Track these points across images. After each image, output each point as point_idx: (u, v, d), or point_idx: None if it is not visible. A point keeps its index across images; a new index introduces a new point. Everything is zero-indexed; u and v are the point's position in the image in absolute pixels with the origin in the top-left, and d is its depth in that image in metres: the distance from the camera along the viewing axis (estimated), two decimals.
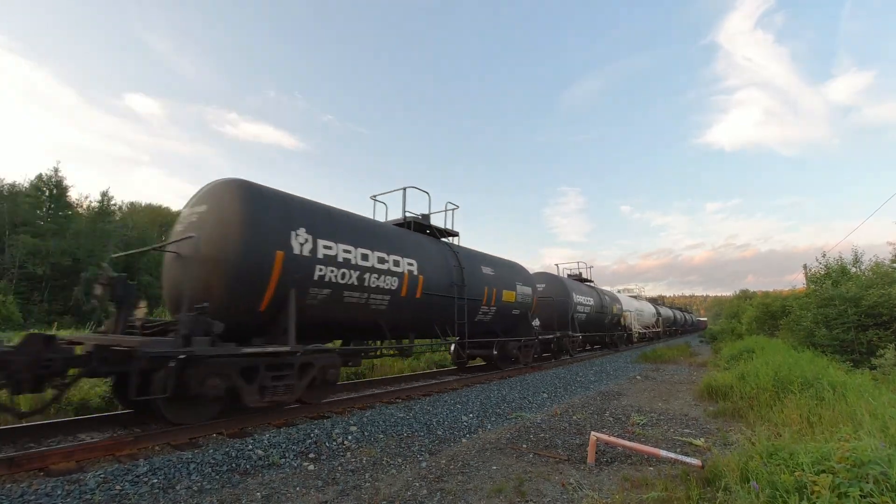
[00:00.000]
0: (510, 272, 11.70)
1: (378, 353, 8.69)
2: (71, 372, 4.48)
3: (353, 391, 8.61)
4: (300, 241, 5.96)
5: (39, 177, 40.64)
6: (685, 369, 13.70)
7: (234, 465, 4.22)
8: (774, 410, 5.90)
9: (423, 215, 9.82)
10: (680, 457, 4.21)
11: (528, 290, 12.11)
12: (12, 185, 41.43)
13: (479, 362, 12.79)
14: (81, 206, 45.98)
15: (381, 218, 9.45)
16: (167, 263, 6.27)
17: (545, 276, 16.54)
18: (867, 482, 2.63)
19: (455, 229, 10.46)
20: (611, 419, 6.74)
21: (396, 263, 7.48)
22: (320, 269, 6.16)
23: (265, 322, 5.88)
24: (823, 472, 2.84)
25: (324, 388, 6.73)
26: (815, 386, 6.41)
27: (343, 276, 6.47)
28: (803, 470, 2.93)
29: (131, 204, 57.83)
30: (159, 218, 55.63)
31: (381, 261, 7.17)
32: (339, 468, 4.33)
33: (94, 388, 7.14)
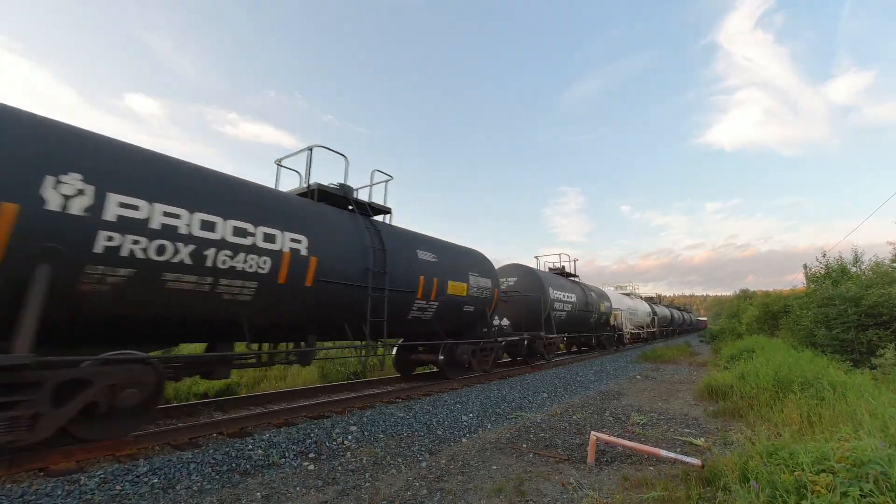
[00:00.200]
0: (462, 260, 9.71)
1: (253, 359, 6.24)
2: None
3: (353, 391, 8.62)
4: (65, 192, 3.99)
5: None
6: (685, 369, 13.70)
7: (234, 464, 4.22)
8: (774, 410, 5.89)
9: (342, 185, 7.69)
10: (680, 456, 4.21)
11: (486, 282, 10.15)
12: None
13: (432, 368, 10.91)
14: None
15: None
16: None
17: (517, 269, 14.49)
18: (867, 482, 2.63)
19: (388, 205, 8.50)
20: (611, 419, 6.74)
21: (270, 238, 5.59)
22: (111, 238, 4.19)
23: None
24: (823, 471, 2.84)
25: (134, 417, 4.66)
26: (815, 386, 6.41)
27: (162, 250, 4.54)
28: (803, 470, 2.93)
29: None
30: None
31: (241, 233, 5.27)
32: (339, 468, 4.33)
33: None
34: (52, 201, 3.95)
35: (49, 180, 3.95)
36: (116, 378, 4.41)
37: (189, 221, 4.82)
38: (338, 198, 7.57)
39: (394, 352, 10.05)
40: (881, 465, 2.72)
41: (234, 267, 5.20)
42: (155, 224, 4.55)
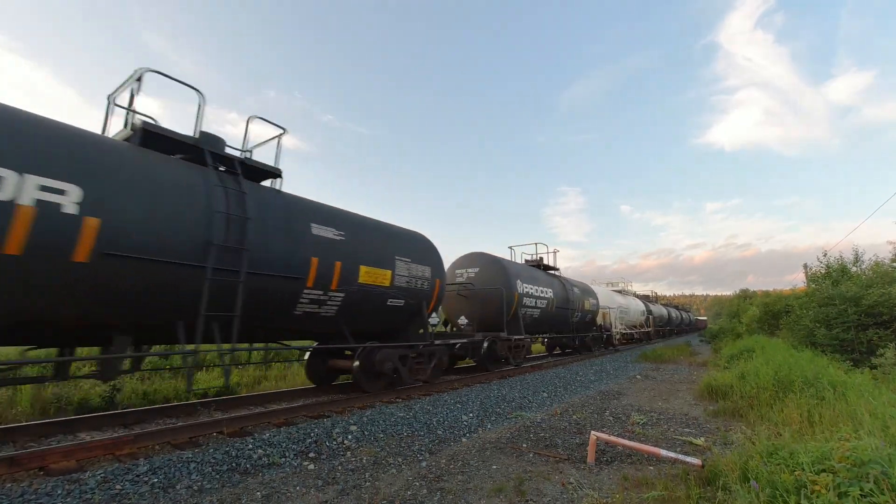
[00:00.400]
0: (387, 241, 7.82)
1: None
2: None
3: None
4: None
5: None
6: (685, 369, 13.70)
7: (234, 464, 4.22)
8: (774, 410, 5.89)
9: (204, 134, 5.82)
10: (680, 456, 4.21)
11: (423, 270, 8.35)
12: None
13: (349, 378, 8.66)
14: None
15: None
16: None
17: (479, 258, 12.43)
18: (867, 482, 2.62)
19: (278, 166, 6.75)
20: (611, 418, 6.73)
21: None
22: None
23: None
24: (823, 471, 2.84)
25: None
26: (815, 385, 6.41)
27: None
28: (803, 469, 2.93)
29: None
30: None
31: None
32: (339, 467, 4.33)
33: (93, 388, 7.16)
34: None
35: None
36: None
37: None
38: (185, 147, 5.65)
39: (306, 356, 8.49)
40: (881, 465, 2.72)
41: None
42: None
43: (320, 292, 6.47)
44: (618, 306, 22.98)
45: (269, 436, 4.95)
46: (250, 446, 4.60)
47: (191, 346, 5.07)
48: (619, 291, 27.48)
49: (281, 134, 6.82)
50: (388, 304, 7.70)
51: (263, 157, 6.27)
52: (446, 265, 10.61)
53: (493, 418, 6.63)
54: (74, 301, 4.41)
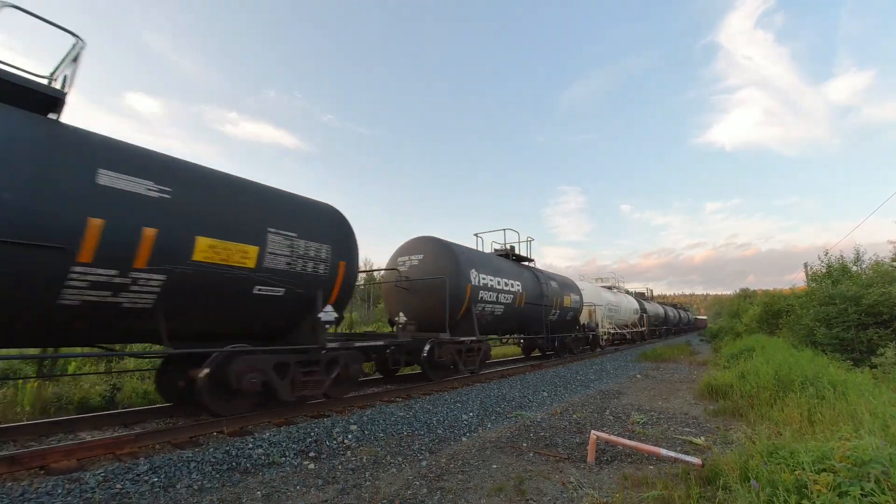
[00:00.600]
0: (257, 207, 5.88)
1: None
2: None
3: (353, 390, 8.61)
4: None
5: None
6: (685, 368, 13.70)
7: (234, 463, 4.23)
8: (775, 409, 5.90)
9: None
10: (680, 455, 4.21)
11: (320, 250, 6.39)
12: None
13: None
14: None
15: None
16: None
17: (426, 244, 10.27)
18: (868, 481, 2.62)
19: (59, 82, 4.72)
20: (611, 418, 6.74)
21: None
22: None
23: None
24: (824, 470, 2.84)
25: None
26: (815, 385, 6.41)
27: None
28: (804, 469, 2.93)
29: None
30: None
31: None
32: (340, 467, 4.33)
33: (94, 388, 7.16)
34: None
35: None
36: None
37: None
38: None
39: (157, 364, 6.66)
40: (882, 465, 2.72)
41: None
42: None
43: (113, 272, 4.44)
44: (606, 304, 21.18)
45: (269, 435, 4.95)
46: (250, 446, 4.60)
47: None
48: (609, 288, 25.13)
49: (76, 44, 4.72)
50: (256, 292, 5.67)
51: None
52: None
53: (493, 417, 6.63)
54: None
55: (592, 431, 4.76)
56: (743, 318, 27.19)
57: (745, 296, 42.68)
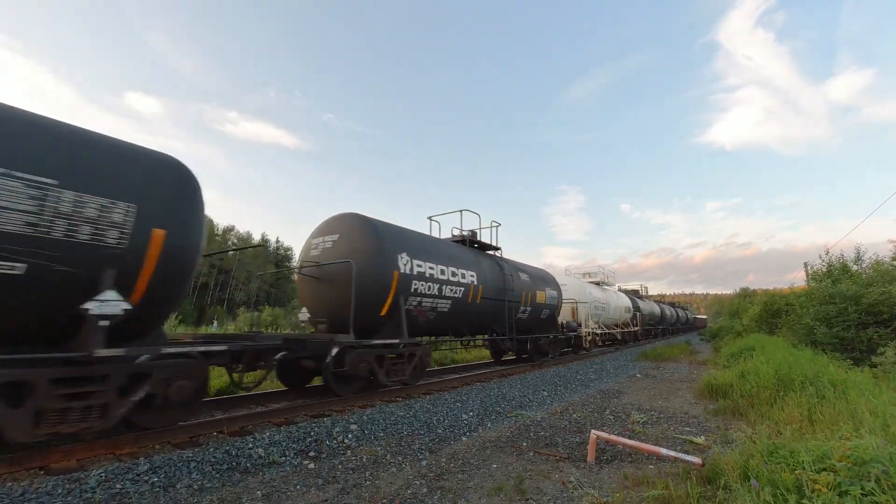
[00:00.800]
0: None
1: None
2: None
3: None
4: None
5: None
6: (685, 367, 13.71)
7: (234, 463, 4.22)
8: (775, 408, 5.90)
9: None
10: (680, 455, 4.21)
11: (113, 211, 4.23)
12: None
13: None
14: None
15: None
16: None
17: (345, 221, 8.05)
18: (868, 480, 2.62)
19: None
20: (611, 417, 6.74)
21: None
22: None
23: None
24: (824, 470, 2.84)
25: None
26: (815, 384, 6.40)
27: None
28: (804, 468, 2.93)
29: None
30: None
31: None
32: (340, 467, 4.33)
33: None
34: None
35: None
36: None
37: None
38: None
39: None
40: (882, 464, 2.71)
41: None
42: None
43: None
44: (592, 301, 19.08)
45: (269, 435, 4.95)
46: (251, 445, 4.60)
47: None
48: (597, 284, 22.88)
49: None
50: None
51: None
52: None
53: (493, 417, 6.63)
54: None
55: (592, 431, 4.77)
56: (743, 317, 27.16)
57: (746, 295, 42.65)
